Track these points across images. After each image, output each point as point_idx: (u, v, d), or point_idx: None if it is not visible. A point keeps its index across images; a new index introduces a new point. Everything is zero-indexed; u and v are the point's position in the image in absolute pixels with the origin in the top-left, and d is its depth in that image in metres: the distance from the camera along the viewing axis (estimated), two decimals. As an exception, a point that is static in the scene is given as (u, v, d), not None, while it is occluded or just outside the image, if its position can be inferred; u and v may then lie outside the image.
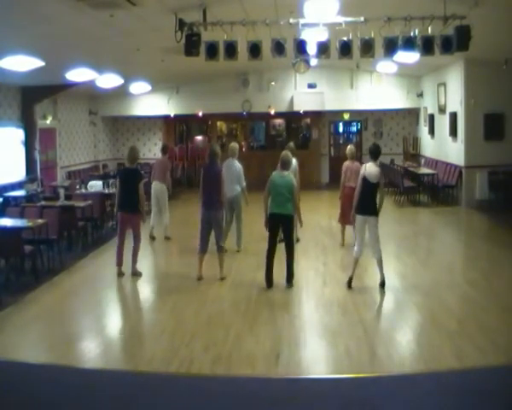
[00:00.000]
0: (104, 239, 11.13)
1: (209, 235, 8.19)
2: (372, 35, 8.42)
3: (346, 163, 9.95)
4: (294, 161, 9.35)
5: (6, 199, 11.58)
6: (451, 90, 14.62)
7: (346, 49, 8.60)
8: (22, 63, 9.84)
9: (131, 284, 8.33)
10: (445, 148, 15.34)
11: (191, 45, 8.31)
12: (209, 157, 8.33)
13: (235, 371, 5.31)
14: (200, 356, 5.58)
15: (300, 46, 8.61)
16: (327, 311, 6.91)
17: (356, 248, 7.73)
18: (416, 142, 18.60)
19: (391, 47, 8.37)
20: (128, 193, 8.39)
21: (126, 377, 5.21)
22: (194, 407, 4.43)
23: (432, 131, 16.67)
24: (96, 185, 12.36)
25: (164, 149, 11.72)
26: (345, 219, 9.56)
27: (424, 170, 15.96)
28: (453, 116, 14.31)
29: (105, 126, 19.39)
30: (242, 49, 8.54)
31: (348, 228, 9.75)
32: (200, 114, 18.74)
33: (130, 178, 8.44)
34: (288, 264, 7.79)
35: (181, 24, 8.16)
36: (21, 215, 9.20)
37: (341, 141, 20.59)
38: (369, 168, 7.56)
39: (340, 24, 8.39)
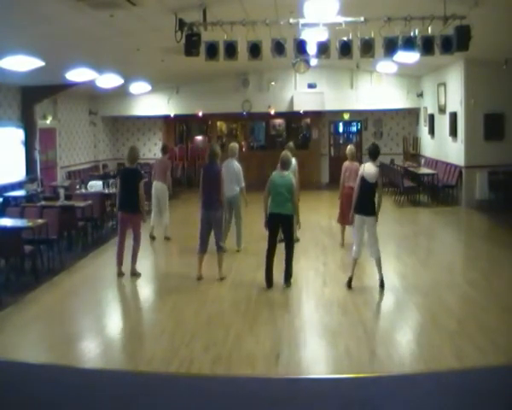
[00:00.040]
0: (104, 239, 11.13)
1: (209, 235, 8.19)
2: (372, 35, 8.42)
3: (346, 163, 9.96)
4: (294, 160, 9.35)
5: (6, 199, 11.58)
6: (451, 90, 14.62)
7: (346, 49, 8.60)
8: (22, 63, 9.84)
9: (131, 284, 8.33)
10: (445, 148, 15.34)
11: (191, 45, 8.32)
12: (209, 157, 8.33)
13: (235, 371, 5.31)
14: (200, 356, 5.58)
15: (300, 46, 8.61)
16: (327, 311, 6.91)
17: (354, 248, 7.73)
18: (415, 142, 18.60)
19: (391, 47, 8.37)
20: (128, 193, 8.40)
21: (126, 377, 5.21)
22: (194, 407, 4.43)
23: (432, 131, 16.67)
24: (96, 185, 12.37)
25: (164, 149, 11.73)
26: (344, 219, 9.56)
27: (424, 170, 15.96)
28: (453, 116, 14.32)
29: (105, 126, 19.39)
30: (242, 49, 8.54)
31: (348, 228, 9.74)
32: (200, 114, 18.74)
33: (131, 178, 8.45)
34: (287, 263, 7.79)
35: (181, 24, 8.17)
36: (21, 215, 9.20)
37: (341, 141, 20.59)
38: (368, 168, 7.56)
39: (340, 24, 8.39)
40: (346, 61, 9.78)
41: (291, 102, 18.04)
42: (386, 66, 15.20)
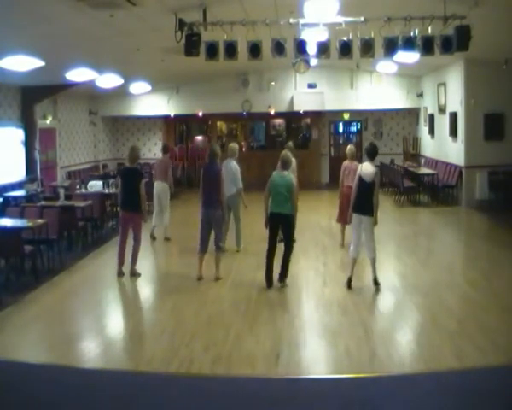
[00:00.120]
0: (104, 239, 11.13)
1: (209, 235, 8.19)
2: (372, 35, 8.42)
3: (345, 163, 9.96)
4: (293, 160, 9.34)
5: (6, 199, 11.58)
6: (451, 90, 14.62)
7: (346, 49, 8.60)
8: (22, 63, 9.84)
9: (131, 284, 8.33)
10: (445, 148, 15.34)
11: (191, 45, 8.32)
12: (209, 157, 8.34)
13: (235, 371, 5.31)
14: (200, 356, 5.58)
15: (300, 46, 8.61)
16: (327, 311, 6.91)
17: (352, 247, 7.73)
18: (415, 142, 18.60)
19: (391, 47, 8.37)
20: (129, 192, 8.42)
21: (126, 377, 5.21)
22: (194, 407, 4.43)
23: (432, 131, 16.67)
24: (96, 185, 12.37)
25: (164, 149, 11.76)
26: (343, 218, 9.56)
27: (424, 170, 15.96)
28: (453, 116, 14.32)
29: (105, 126, 19.39)
30: (242, 49, 8.54)
31: (348, 228, 9.74)
32: (200, 114, 18.74)
33: (131, 178, 8.46)
34: (284, 262, 7.78)
35: (181, 24, 8.17)
36: (21, 215, 9.20)
37: (341, 141, 20.59)
38: (365, 168, 7.57)
39: (340, 24, 8.39)
40: (346, 61, 9.78)
41: (291, 102, 18.04)
42: (386, 66, 15.20)
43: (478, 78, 13.40)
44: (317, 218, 12.81)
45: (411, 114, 18.87)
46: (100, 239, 11.11)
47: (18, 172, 13.48)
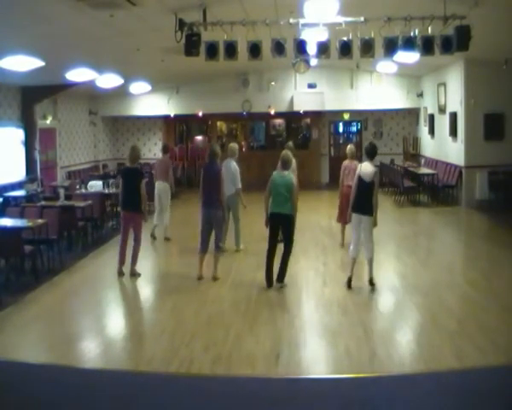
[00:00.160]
0: (104, 239, 11.13)
1: (209, 235, 8.20)
2: (372, 35, 8.42)
3: (345, 162, 9.96)
4: (293, 160, 9.33)
5: (6, 199, 11.58)
6: (451, 90, 14.62)
7: (346, 49, 8.60)
8: (22, 63, 9.84)
9: (131, 284, 8.33)
10: (445, 148, 15.34)
11: (191, 45, 8.32)
12: (209, 157, 8.35)
13: (235, 371, 5.31)
14: (200, 356, 5.58)
15: (300, 46, 8.61)
16: (327, 311, 6.91)
17: (352, 247, 7.73)
18: (415, 142, 18.60)
19: (391, 47, 8.37)
20: (129, 192, 8.43)
21: (126, 377, 5.21)
22: (194, 407, 4.43)
23: (432, 131, 16.67)
24: (95, 185, 12.37)
25: (165, 149, 11.78)
26: (343, 218, 9.56)
27: (424, 170, 15.96)
28: (453, 116, 14.32)
29: (105, 126, 19.39)
30: (242, 49, 8.54)
31: (348, 228, 9.74)
32: (200, 114, 18.74)
33: (132, 178, 8.47)
34: (283, 262, 7.76)
35: (181, 24, 8.17)
36: (21, 215, 9.20)
37: (341, 141, 20.59)
38: (365, 168, 7.58)
39: (340, 24, 8.39)
40: (346, 61, 9.78)
41: (291, 102, 18.04)
42: (386, 66, 15.20)
43: (478, 78, 13.40)
44: (317, 218, 12.81)
45: (411, 114, 18.87)
46: (100, 239, 11.11)
47: (18, 172, 13.48)
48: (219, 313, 6.91)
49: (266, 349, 5.73)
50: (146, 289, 8.35)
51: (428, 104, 17.07)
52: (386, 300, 7.50)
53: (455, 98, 14.22)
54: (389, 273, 8.53)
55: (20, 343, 6.04)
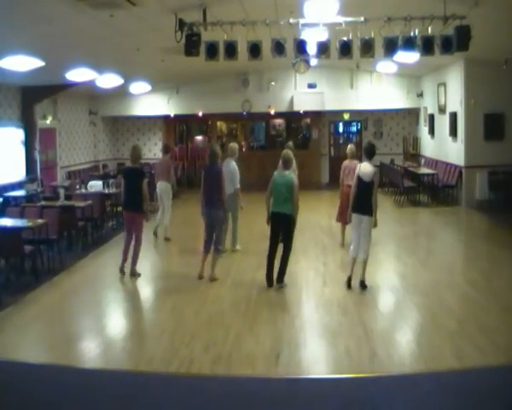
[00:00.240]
0: (104, 239, 11.13)
1: (211, 235, 8.21)
2: (372, 35, 8.42)
3: (346, 162, 9.97)
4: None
5: (6, 199, 11.58)
6: (451, 90, 14.62)
7: (346, 49, 8.60)
8: (22, 63, 9.84)
9: (131, 284, 8.33)
10: (445, 148, 15.34)
11: (191, 45, 8.32)
12: (209, 158, 8.35)
13: (235, 371, 5.31)
14: (200, 356, 5.58)
15: (300, 46, 8.61)
16: (327, 311, 6.91)
17: (352, 247, 7.73)
18: (415, 142, 18.60)
19: (391, 47, 8.37)
20: (131, 192, 8.44)
21: (126, 377, 5.21)
22: (194, 407, 4.43)
23: (432, 131, 16.67)
24: (96, 185, 12.37)
25: (165, 149, 11.82)
26: (343, 217, 9.55)
27: (424, 170, 15.96)
28: (453, 116, 14.32)
29: (105, 126, 19.39)
30: (242, 49, 8.54)
31: (348, 228, 9.74)
32: (200, 114, 18.74)
33: (133, 178, 8.48)
34: (282, 262, 7.75)
35: (181, 24, 8.17)
36: (21, 215, 9.20)
37: (341, 141, 20.59)
38: (364, 168, 7.57)
39: (340, 24, 8.39)
40: (346, 61, 9.78)
41: (291, 102, 18.04)
42: (386, 66, 15.20)
43: (478, 78, 13.40)
44: (317, 218, 12.81)
45: (411, 114, 18.86)
46: (100, 239, 11.11)
47: (18, 172, 13.48)
48: (219, 313, 6.91)
49: (266, 349, 5.73)
50: (146, 289, 8.35)
51: (428, 104, 17.07)
52: (386, 300, 7.50)
53: (455, 98, 14.22)
54: (389, 273, 8.53)
55: (20, 343, 6.04)
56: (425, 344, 5.92)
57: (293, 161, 9.34)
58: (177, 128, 21.05)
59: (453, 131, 14.33)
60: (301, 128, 20.80)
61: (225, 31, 8.36)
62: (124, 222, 8.81)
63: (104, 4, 7.33)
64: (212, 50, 8.59)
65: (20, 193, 12.26)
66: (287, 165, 7.92)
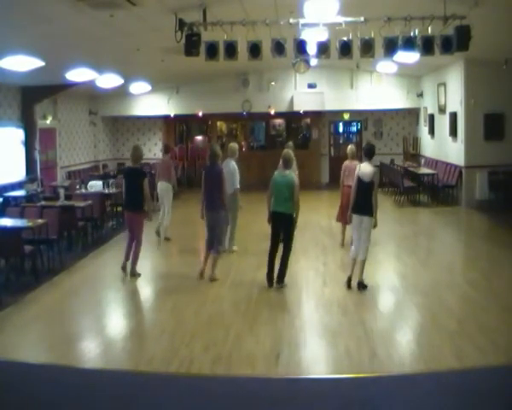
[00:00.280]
0: (104, 239, 11.13)
1: (213, 235, 8.19)
2: (372, 35, 8.42)
3: (346, 162, 9.97)
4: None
5: (6, 199, 11.58)
6: (451, 90, 14.62)
7: (346, 49, 8.60)
8: (22, 63, 9.84)
9: (131, 284, 8.33)
10: (445, 148, 15.34)
11: (191, 45, 8.32)
12: (210, 158, 8.35)
13: (235, 371, 5.31)
14: (200, 356, 5.58)
15: (300, 46, 8.61)
16: (327, 311, 6.91)
17: (353, 247, 7.73)
18: (415, 142, 18.60)
19: (391, 47, 8.37)
20: (131, 192, 8.45)
21: (126, 377, 5.21)
22: (194, 407, 4.43)
23: (432, 131, 16.67)
24: (96, 185, 12.37)
25: (165, 149, 11.83)
26: (343, 218, 9.55)
27: (424, 170, 15.96)
28: (453, 116, 14.32)
29: (105, 126, 19.39)
30: (242, 49, 8.54)
31: (348, 228, 9.74)
32: (200, 114, 18.74)
33: (134, 178, 8.48)
34: (282, 262, 7.75)
35: (181, 24, 8.17)
36: (21, 215, 9.20)
37: (341, 141, 20.59)
38: (364, 168, 7.57)
39: (340, 24, 8.39)
40: (346, 61, 9.78)
41: (291, 102, 18.04)
42: (386, 66, 15.20)
43: (478, 78, 13.40)
44: (317, 218, 12.81)
45: (411, 114, 18.86)
46: (100, 239, 11.11)
47: (18, 172, 13.48)
48: (219, 313, 6.91)
49: (266, 349, 5.73)
50: (146, 289, 8.35)
51: (428, 104, 17.07)
52: (386, 300, 7.51)
53: (455, 98, 14.22)
54: (389, 273, 8.53)
55: (20, 343, 6.04)
56: (425, 344, 5.92)
57: (294, 160, 9.37)
58: (177, 128, 21.05)
59: (453, 131, 14.33)
60: (301, 128, 20.80)
61: (225, 31, 8.36)
62: (125, 222, 8.79)
63: (104, 4, 7.33)
64: (212, 50, 8.59)
65: (20, 193, 12.26)
66: (287, 164, 7.91)
